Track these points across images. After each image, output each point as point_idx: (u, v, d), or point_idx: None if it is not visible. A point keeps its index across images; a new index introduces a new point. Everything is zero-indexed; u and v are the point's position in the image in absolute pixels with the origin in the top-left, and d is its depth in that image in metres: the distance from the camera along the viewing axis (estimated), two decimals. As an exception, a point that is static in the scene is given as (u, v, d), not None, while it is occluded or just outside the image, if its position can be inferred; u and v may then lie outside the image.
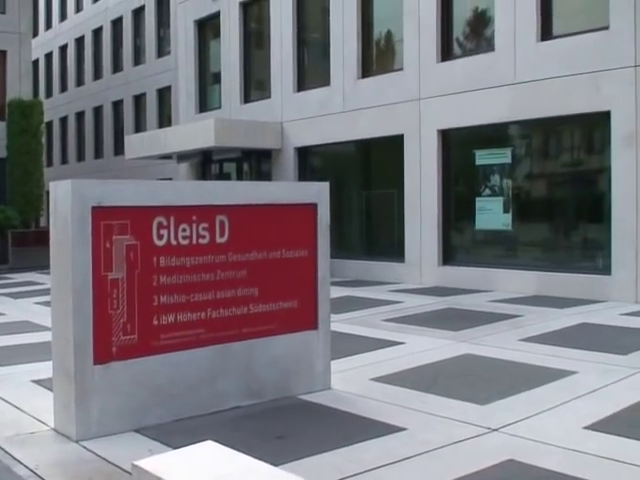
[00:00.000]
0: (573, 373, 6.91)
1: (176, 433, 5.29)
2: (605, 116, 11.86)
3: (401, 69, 15.20)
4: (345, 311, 10.99)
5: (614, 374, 6.85)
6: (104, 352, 5.31)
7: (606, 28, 11.82)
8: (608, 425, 5.35)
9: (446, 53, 14.44)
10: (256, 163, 19.43)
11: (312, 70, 18.09)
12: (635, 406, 5.83)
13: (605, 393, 6.27)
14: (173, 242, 5.62)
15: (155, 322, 5.55)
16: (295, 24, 17.91)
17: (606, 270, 11.92)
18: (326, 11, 16.98)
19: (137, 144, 21.41)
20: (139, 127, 32.94)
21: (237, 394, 6.00)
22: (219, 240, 5.87)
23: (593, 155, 12.76)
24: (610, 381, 6.61)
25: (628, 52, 11.48)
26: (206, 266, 5.80)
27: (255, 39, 19.93)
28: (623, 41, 11.53)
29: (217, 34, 20.70)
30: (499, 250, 13.97)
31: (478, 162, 13.99)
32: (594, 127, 12.54)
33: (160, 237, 5.56)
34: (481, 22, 14.20)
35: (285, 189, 6.94)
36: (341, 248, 16.06)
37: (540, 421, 5.50)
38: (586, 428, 5.31)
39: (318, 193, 6.58)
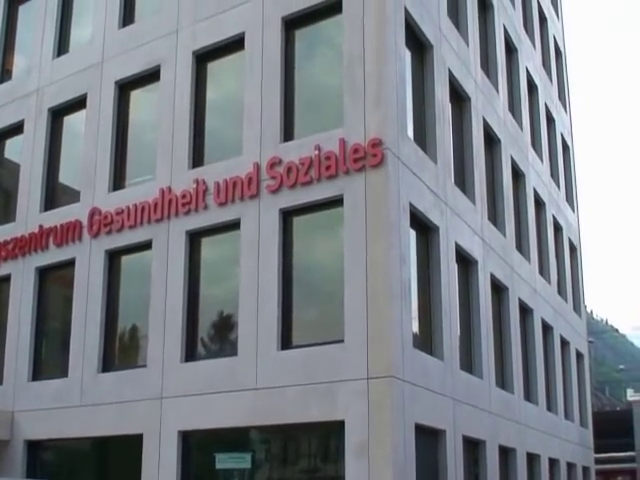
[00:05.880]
0: None
1: None
2: (340, 425, 12.32)
3: (144, 366, 15.01)
4: None
5: None
6: None
7: (342, 341, 12.66)
8: None
9: (190, 353, 14.56)
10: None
11: (50, 359, 17.30)
12: None
13: None
14: None
15: None
16: (35, 310, 17.24)
17: None
18: (68, 300, 16.69)
19: None
20: None
21: None
22: None
23: (329, 462, 13.05)
24: None
25: (361, 364, 12.27)
26: None
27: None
28: (356, 354, 12.36)
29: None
30: None
31: (218, 466, 13.72)
32: (330, 435, 12.95)
33: None
34: (226, 326, 14.64)
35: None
36: None
37: None
38: None
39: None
